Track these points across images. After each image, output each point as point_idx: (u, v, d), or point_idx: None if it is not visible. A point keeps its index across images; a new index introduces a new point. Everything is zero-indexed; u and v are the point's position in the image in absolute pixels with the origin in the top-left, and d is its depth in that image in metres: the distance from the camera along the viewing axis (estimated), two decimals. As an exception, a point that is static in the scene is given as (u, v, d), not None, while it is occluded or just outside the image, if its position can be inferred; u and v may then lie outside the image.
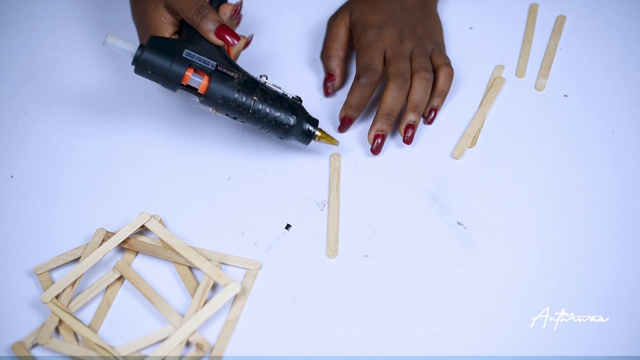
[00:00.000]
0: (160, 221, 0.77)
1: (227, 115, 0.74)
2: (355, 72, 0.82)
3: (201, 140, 0.83)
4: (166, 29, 0.76)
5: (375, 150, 0.80)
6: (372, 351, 0.70)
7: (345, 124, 0.81)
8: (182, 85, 0.73)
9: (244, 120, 0.74)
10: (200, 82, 0.73)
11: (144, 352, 0.71)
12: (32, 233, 0.78)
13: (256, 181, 0.80)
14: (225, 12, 0.78)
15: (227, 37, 0.74)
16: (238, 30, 0.82)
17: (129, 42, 0.73)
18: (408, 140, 0.80)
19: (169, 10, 0.75)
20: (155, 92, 0.86)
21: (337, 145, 0.78)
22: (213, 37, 0.74)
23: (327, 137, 0.77)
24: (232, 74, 0.73)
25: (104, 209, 0.79)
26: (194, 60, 0.73)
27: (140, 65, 0.72)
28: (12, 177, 0.81)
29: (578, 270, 0.72)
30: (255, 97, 0.73)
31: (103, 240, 0.75)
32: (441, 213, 0.77)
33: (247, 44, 0.80)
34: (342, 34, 0.85)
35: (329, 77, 0.85)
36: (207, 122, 0.84)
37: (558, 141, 0.80)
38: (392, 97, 0.79)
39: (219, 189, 0.79)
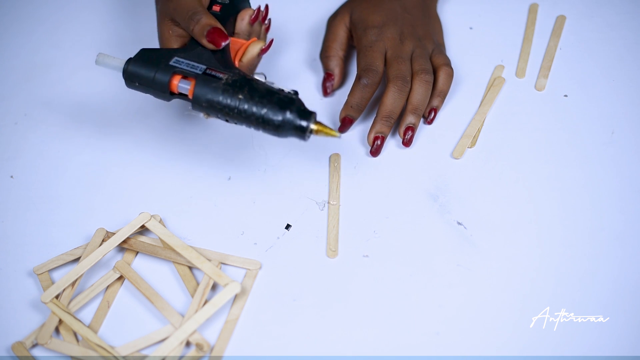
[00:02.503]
0: (160, 221, 0.77)
1: (218, 117, 0.71)
2: (355, 72, 0.82)
3: (201, 140, 0.83)
4: (174, 41, 0.74)
5: (375, 152, 0.80)
6: (372, 351, 0.70)
7: (345, 124, 0.81)
8: (173, 93, 0.71)
9: (235, 122, 0.71)
10: (188, 88, 0.71)
11: (144, 352, 0.71)
12: (32, 233, 0.78)
13: (256, 181, 0.80)
14: (244, 17, 0.76)
15: (218, 39, 0.71)
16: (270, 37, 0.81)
17: (118, 58, 0.72)
18: (407, 142, 0.80)
19: (174, 22, 0.74)
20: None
21: (339, 137, 0.71)
22: (205, 42, 0.72)
23: (324, 130, 0.70)
24: (220, 75, 0.70)
25: (104, 209, 0.79)
26: (181, 66, 0.71)
27: (128, 78, 0.71)
28: (12, 177, 0.81)
29: (578, 270, 0.72)
30: (240, 96, 0.69)
31: (103, 240, 0.75)
32: (441, 213, 0.77)
33: (264, 50, 0.75)
34: (341, 33, 0.85)
35: (327, 76, 0.85)
36: (208, 121, 0.84)
37: (558, 141, 0.80)
38: (392, 99, 0.79)
39: (219, 189, 0.79)
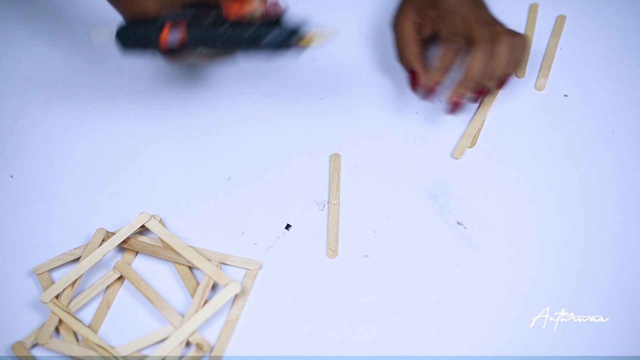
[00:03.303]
0: (160, 221, 0.77)
1: (212, 49, 0.72)
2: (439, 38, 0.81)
3: (201, 140, 0.83)
4: None
5: (451, 111, 0.79)
6: (372, 351, 0.70)
7: (456, 106, 0.80)
8: (169, 51, 0.72)
9: (231, 49, 0.72)
10: (180, 31, 0.72)
11: (144, 352, 0.71)
12: (32, 233, 0.78)
13: (256, 181, 0.80)
14: None
15: None
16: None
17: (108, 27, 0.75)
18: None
19: None
20: (155, 93, 0.86)
21: (333, 34, 0.71)
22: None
23: (317, 36, 0.70)
24: (210, 12, 0.72)
25: (104, 209, 0.79)
26: (170, 16, 0.72)
27: (121, 37, 0.74)
28: (12, 177, 0.81)
29: (578, 270, 0.72)
30: (229, 24, 0.70)
31: (103, 240, 0.75)
32: (441, 213, 0.77)
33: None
34: (411, 31, 0.83)
35: (412, 75, 0.82)
36: (208, 122, 0.84)
37: (558, 141, 0.80)
38: (480, 62, 0.78)
39: (219, 189, 0.79)
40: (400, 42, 0.84)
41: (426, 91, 0.80)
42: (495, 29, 0.80)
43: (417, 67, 0.82)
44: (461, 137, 0.81)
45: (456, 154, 0.80)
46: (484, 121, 0.82)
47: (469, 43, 0.79)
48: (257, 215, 0.78)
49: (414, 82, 0.82)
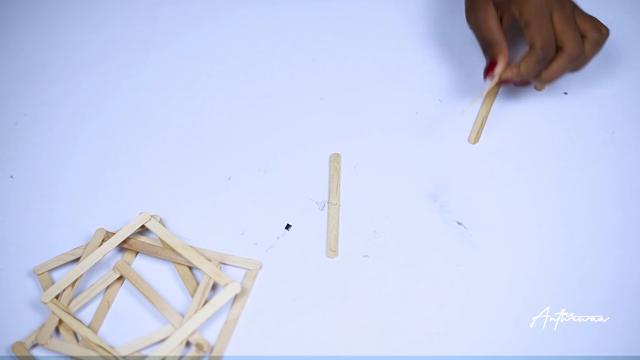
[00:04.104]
0: (160, 221, 0.77)
1: None
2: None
3: (201, 140, 0.83)
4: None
5: (496, 84, 0.78)
6: (372, 351, 0.70)
7: (503, 84, 0.79)
8: None
9: None
10: None
11: (144, 352, 0.71)
12: (32, 233, 0.78)
13: (256, 181, 0.80)
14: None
15: None
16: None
17: None
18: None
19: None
20: (155, 92, 0.86)
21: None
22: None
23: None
24: None
25: (104, 209, 0.79)
26: None
27: None
28: (12, 177, 0.81)
29: (578, 270, 0.72)
30: None
31: (103, 240, 0.75)
32: (441, 213, 0.77)
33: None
34: (495, 27, 0.80)
35: (492, 64, 0.79)
36: (208, 122, 0.84)
37: (558, 141, 0.80)
38: (562, 69, 0.77)
39: (219, 189, 0.79)
40: (485, 36, 0.80)
41: (498, 81, 0.79)
42: (583, 25, 0.77)
43: (503, 62, 0.79)
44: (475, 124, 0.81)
45: (472, 140, 0.80)
46: (488, 111, 0.82)
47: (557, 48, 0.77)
48: (257, 215, 0.78)
49: (490, 69, 0.79)
